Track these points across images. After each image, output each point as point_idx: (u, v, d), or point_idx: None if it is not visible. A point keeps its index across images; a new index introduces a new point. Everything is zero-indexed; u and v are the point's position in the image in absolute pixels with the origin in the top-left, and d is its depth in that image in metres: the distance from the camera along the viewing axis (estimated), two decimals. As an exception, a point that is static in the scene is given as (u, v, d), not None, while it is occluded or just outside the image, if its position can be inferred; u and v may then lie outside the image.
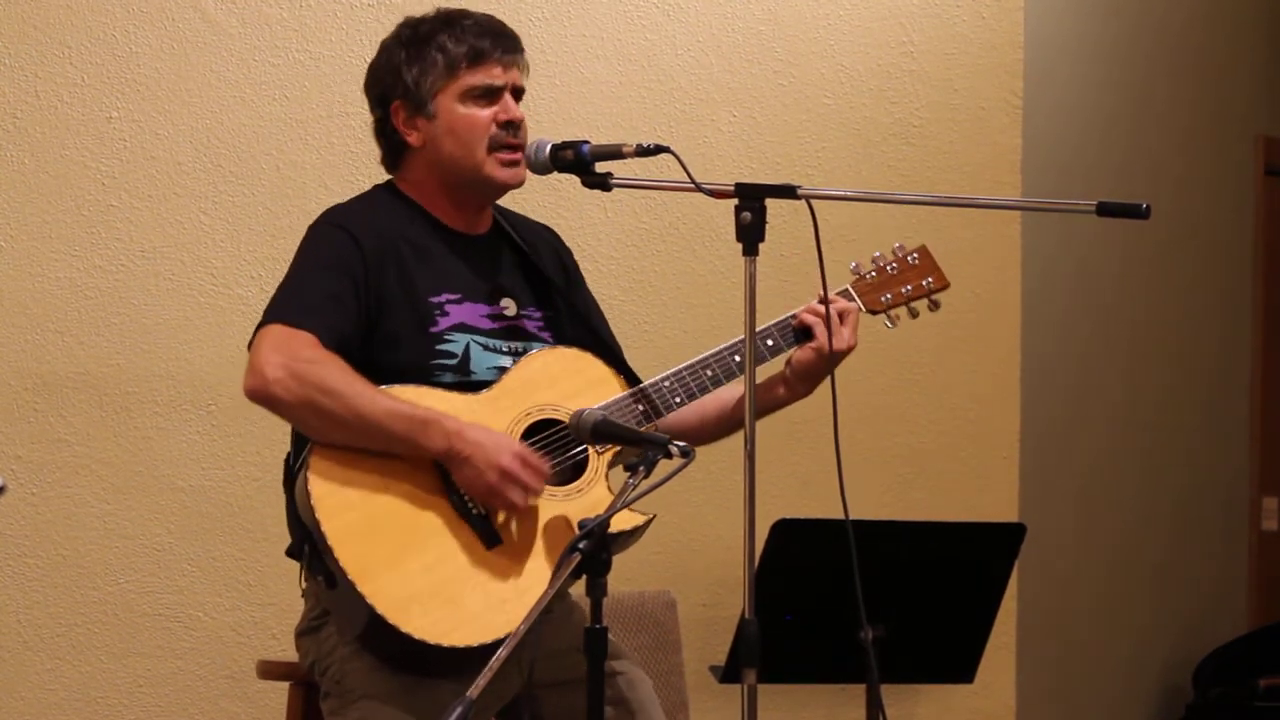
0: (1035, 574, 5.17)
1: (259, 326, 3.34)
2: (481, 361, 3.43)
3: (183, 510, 4.56)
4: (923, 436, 5.17)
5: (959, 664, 3.96)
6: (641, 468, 3.11)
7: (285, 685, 3.82)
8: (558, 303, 3.60)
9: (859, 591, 3.29)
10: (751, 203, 3.17)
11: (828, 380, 3.27)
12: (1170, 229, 5.85)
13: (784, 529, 3.70)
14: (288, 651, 3.63)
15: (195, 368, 4.57)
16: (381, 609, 3.21)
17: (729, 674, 3.66)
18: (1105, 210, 3.23)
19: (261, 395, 3.29)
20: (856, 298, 3.65)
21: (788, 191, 3.24)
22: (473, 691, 2.85)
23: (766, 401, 3.55)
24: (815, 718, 4.97)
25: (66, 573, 4.50)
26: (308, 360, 3.28)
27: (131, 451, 4.53)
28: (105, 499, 4.52)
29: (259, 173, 4.64)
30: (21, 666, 4.47)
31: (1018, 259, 5.25)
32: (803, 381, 3.58)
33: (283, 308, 3.35)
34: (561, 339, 3.56)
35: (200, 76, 4.61)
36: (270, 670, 3.94)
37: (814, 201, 3.23)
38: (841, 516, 3.29)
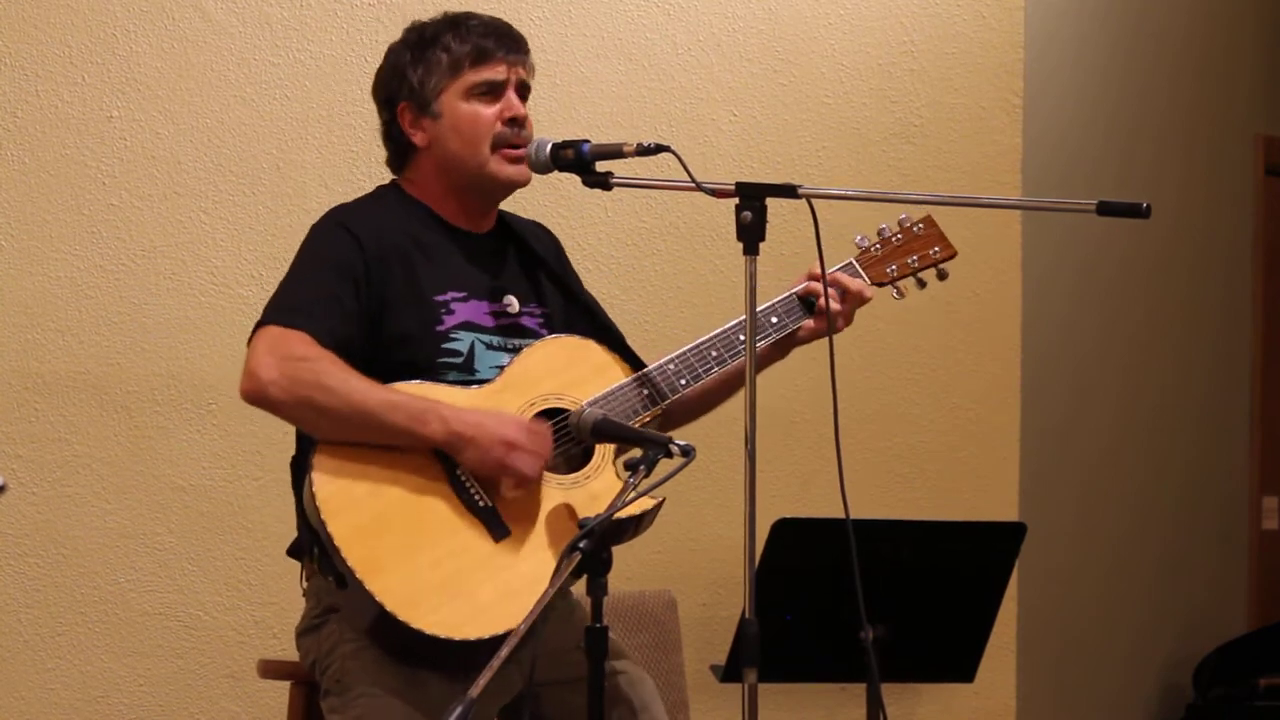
0: (1035, 574, 5.17)
1: (255, 328, 3.33)
2: (485, 360, 3.43)
3: (183, 510, 4.55)
4: (923, 436, 5.17)
5: (959, 663, 3.96)
6: (642, 466, 3.11)
7: (286, 685, 3.81)
8: (559, 299, 3.60)
9: (859, 591, 3.29)
10: (752, 202, 3.17)
11: (828, 380, 3.26)
12: (1170, 229, 5.85)
13: (784, 529, 3.70)
14: (288, 651, 3.63)
15: (195, 368, 4.57)
16: (392, 607, 3.20)
17: (729, 673, 3.66)
18: (1105, 210, 3.23)
19: (257, 397, 3.28)
20: (861, 272, 3.63)
21: (788, 191, 3.24)
22: (473, 690, 2.85)
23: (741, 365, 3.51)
24: (815, 718, 4.97)
25: (66, 572, 4.49)
26: (301, 358, 3.27)
27: (131, 451, 4.53)
28: (105, 498, 4.52)
29: (259, 172, 4.63)
30: (21, 666, 4.47)
31: (1018, 259, 5.25)
32: (785, 349, 3.60)
33: (278, 308, 3.34)
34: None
35: (201, 76, 4.61)
36: (271, 670, 3.93)
37: (814, 201, 3.24)
38: (841, 516, 3.29)
